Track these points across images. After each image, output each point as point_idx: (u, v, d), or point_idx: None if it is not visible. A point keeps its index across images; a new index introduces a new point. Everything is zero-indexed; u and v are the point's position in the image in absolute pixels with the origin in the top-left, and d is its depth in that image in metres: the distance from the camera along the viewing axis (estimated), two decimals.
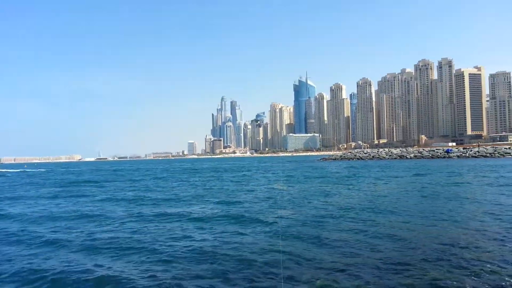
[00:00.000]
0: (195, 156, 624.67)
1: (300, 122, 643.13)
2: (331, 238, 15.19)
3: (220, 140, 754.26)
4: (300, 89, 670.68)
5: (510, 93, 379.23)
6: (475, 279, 10.16)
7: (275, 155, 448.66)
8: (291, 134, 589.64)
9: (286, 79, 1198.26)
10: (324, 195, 30.25)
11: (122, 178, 71.05)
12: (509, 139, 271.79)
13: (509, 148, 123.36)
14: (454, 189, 32.34)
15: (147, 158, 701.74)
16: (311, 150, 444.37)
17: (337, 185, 39.63)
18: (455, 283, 9.91)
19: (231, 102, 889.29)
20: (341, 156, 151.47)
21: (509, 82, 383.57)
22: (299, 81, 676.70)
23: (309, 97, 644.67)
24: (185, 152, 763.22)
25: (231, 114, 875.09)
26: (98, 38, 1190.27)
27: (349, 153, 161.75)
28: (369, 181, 42.81)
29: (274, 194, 32.79)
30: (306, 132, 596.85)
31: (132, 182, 57.84)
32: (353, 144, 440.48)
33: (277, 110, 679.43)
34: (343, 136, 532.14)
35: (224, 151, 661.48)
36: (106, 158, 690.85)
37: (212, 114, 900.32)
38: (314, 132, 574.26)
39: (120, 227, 19.28)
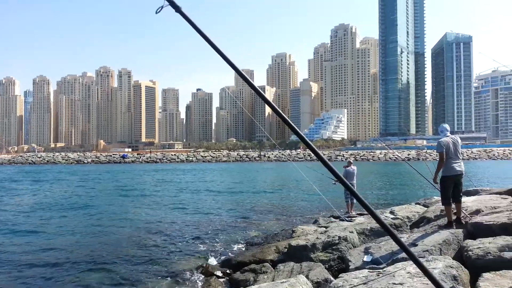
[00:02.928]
0: None
1: None
2: None
3: None
4: None
5: (178, 107, 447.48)
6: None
7: None
8: None
9: None
10: None
11: None
12: (176, 147, 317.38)
13: (174, 154, 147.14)
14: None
15: None
16: None
17: None
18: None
19: None
20: (9, 160, 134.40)
21: (177, 97, 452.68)
22: None
23: None
24: None
25: None
26: None
27: (20, 157, 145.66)
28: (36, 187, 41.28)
29: None
30: None
31: None
32: (26, 147, 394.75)
33: None
34: (14, 138, 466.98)
35: None
36: None
37: None
38: None
39: None
